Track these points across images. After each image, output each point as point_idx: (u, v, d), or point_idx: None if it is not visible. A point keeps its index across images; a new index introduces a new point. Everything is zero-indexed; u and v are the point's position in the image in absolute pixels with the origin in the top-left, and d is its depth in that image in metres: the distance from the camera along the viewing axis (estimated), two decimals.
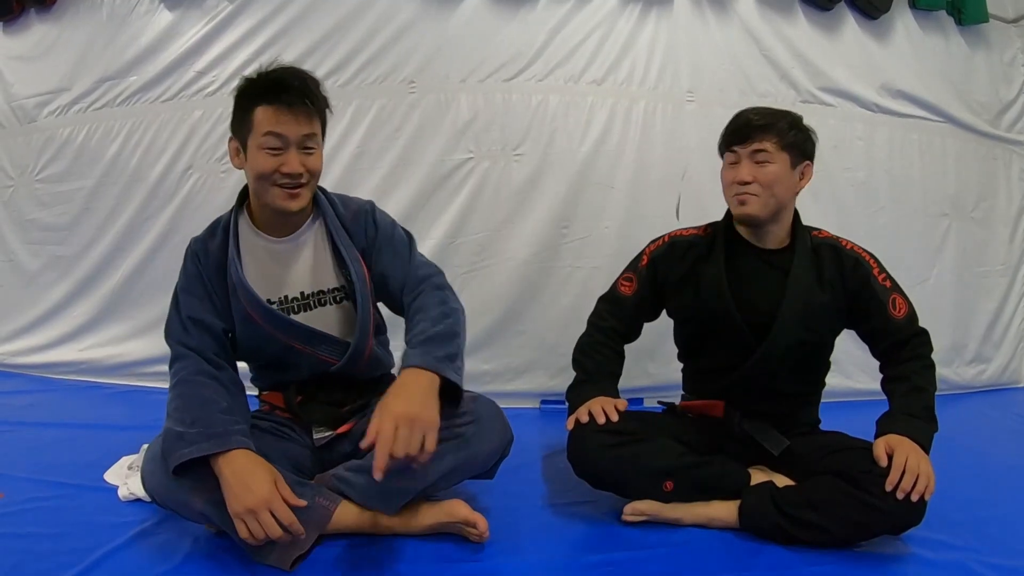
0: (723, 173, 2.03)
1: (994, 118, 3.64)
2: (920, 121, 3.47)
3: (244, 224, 1.85)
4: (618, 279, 2.20)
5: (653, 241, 2.18)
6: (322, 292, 1.87)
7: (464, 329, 1.81)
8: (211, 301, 1.82)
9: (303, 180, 1.75)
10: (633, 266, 2.18)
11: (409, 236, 1.97)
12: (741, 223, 2.02)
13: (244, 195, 1.88)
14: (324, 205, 1.88)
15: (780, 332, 1.93)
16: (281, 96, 1.70)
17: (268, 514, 1.51)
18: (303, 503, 1.59)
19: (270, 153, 1.70)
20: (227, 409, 1.66)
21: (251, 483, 1.52)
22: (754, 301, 1.97)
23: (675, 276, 2.09)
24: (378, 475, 1.49)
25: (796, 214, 2.03)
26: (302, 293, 1.86)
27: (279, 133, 1.69)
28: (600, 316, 2.21)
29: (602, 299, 2.24)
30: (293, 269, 1.86)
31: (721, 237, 2.05)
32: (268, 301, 1.82)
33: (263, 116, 1.70)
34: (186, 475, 1.59)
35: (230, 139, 1.80)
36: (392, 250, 1.90)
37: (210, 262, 1.83)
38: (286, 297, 1.85)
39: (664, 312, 2.20)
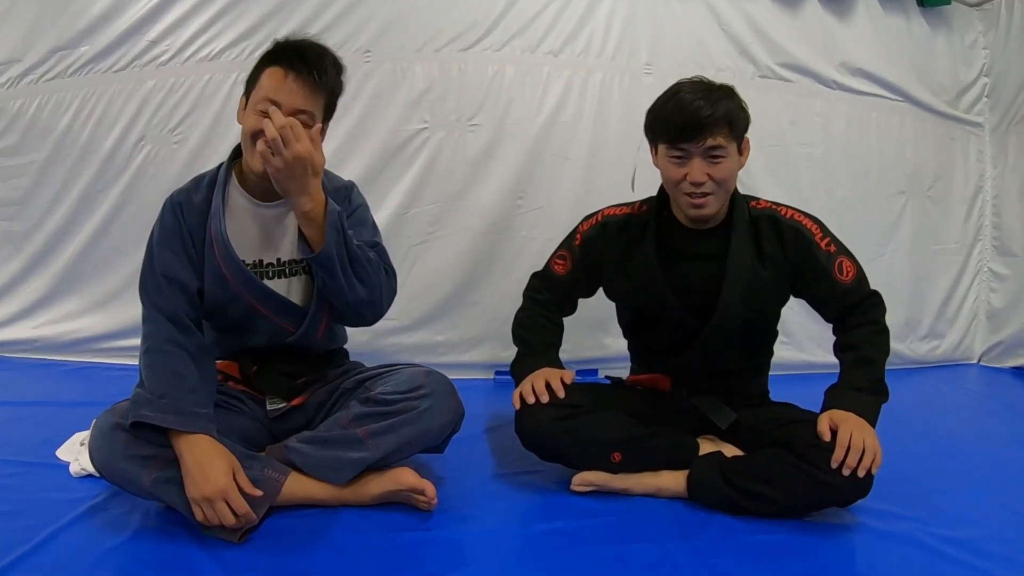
0: (664, 167, 1.89)
1: (953, 99, 3.68)
2: (879, 100, 3.50)
3: (231, 183, 1.81)
4: (552, 256, 2.16)
5: (587, 218, 2.12)
6: (296, 262, 1.85)
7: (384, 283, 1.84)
8: (187, 257, 1.77)
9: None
10: (567, 244, 2.14)
11: (374, 223, 1.97)
12: (693, 223, 1.92)
13: (236, 154, 1.83)
14: None
15: (723, 316, 1.89)
16: (290, 61, 1.66)
17: (223, 504, 1.54)
18: (259, 493, 1.61)
19: (260, 115, 1.64)
20: (194, 387, 1.66)
21: (209, 472, 1.54)
22: (692, 284, 1.93)
23: (609, 259, 2.04)
24: None
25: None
26: (278, 260, 1.84)
27: (274, 100, 1.65)
28: (535, 290, 2.19)
29: (536, 275, 2.22)
30: (274, 235, 1.83)
31: (653, 219, 1.98)
32: (243, 263, 1.78)
33: (267, 77, 1.68)
34: (139, 446, 1.59)
35: (242, 95, 1.76)
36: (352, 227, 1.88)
37: (193, 215, 1.78)
38: (261, 261, 1.82)
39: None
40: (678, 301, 1.92)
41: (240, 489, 1.57)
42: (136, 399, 1.62)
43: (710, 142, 1.78)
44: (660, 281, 1.92)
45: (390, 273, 1.87)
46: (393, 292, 1.89)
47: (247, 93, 1.73)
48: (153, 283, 1.75)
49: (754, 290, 1.89)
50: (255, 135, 1.66)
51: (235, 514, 1.55)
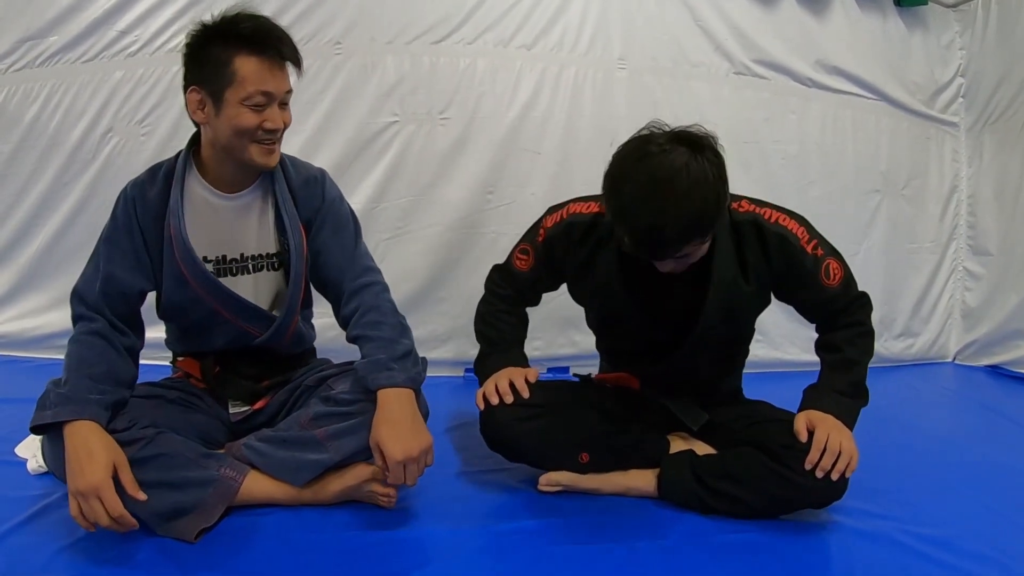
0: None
1: (929, 99, 3.69)
2: (854, 98, 3.51)
3: (191, 175, 1.74)
4: (515, 250, 2.04)
5: (551, 211, 1.95)
6: (261, 256, 1.81)
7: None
8: (136, 256, 1.72)
9: (280, 135, 1.69)
10: (530, 238, 1.99)
11: (355, 218, 1.91)
12: None
13: (192, 143, 1.76)
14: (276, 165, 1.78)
15: (702, 336, 1.79)
16: (267, 49, 1.60)
17: (97, 501, 1.41)
18: (143, 497, 1.48)
19: (255, 110, 1.61)
20: (96, 373, 1.58)
21: (85, 465, 1.43)
22: (664, 298, 1.81)
23: (573, 262, 1.90)
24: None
25: None
26: (242, 255, 1.79)
27: (268, 91, 1.61)
28: (497, 284, 2.09)
29: (497, 268, 2.11)
30: (236, 229, 1.78)
31: None
32: (205, 259, 1.74)
33: (250, 69, 1.59)
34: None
35: (191, 90, 1.63)
36: (333, 227, 1.84)
37: (147, 211, 1.71)
38: (224, 257, 1.78)
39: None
40: (645, 314, 1.84)
41: (124, 491, 1.46)
42: (41, 400, 1.54)
43: (675, 254, 1.60)
44: (620, 295, 1.82)
45: (383, 285, 1.86)
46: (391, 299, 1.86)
47: (205, 88, 1.62)
48: (92, 284, 1.71)
49: (736, 307, 1.80)
50: (253, 131, 1.63)
51: (111, 516, 1.42)
